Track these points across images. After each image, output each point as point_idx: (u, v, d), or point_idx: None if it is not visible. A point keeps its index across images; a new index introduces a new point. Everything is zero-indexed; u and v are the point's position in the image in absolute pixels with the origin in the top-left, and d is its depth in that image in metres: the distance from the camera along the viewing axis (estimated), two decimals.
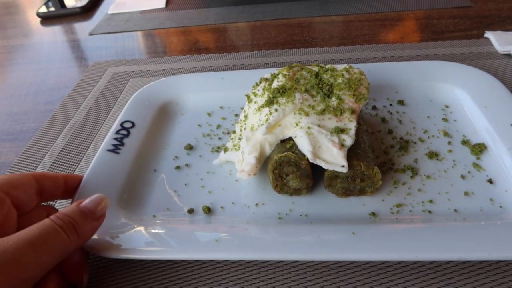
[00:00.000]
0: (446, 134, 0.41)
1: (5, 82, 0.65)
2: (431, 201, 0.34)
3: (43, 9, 0.88)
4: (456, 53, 0.57)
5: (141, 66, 0.63)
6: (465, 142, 0.40)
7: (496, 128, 0.39)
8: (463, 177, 0.36)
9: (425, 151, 0.40)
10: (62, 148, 0.47)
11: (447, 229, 0.31)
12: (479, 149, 0.39)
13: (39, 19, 0.88)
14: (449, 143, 0.40)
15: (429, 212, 0.33)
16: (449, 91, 0.46)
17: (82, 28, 0.82)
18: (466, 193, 0.35)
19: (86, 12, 0.89)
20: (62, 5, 0.90)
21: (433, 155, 0.39)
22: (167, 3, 0.87)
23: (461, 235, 0.30)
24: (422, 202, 0.34)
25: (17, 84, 0.63)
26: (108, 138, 0.42)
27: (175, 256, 0.30)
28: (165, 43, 0.72)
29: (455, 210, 0.33)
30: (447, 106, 0.45)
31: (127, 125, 0.44)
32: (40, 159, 0.46)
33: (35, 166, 0.45)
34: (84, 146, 0.47)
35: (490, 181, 0.36)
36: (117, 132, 0.43)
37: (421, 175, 0.37)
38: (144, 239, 0.32)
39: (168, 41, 0.72)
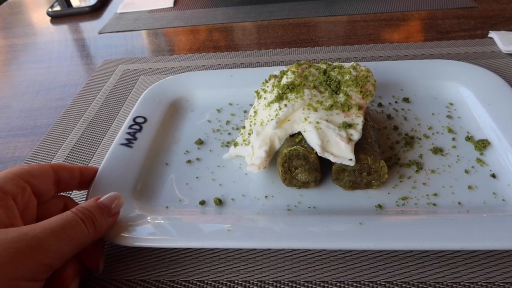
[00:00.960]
0: (450, 130, 0.42)
1: (17, 80, 0.66)
2: (435, 194, 0.35)
3: (53, 8, 0.90)
4: (461, 53, 0.58)
5: (150, 64, 0.65)
6: (469, 138, 0.41)
7: (499, 125, 0.40)
8: (467, 171, 0.37)
9: (430, 147, 0.41)
10: (76, 142, 0.48)
11: (451, 221, 0.32)
12: (482, 145, 0.40)
13: (49, 18, 0.90)
14: (453, 139, 0.41)
15: (434, 204, 0.35)
16: (453, 89, 0.47)
17: (92, 27, 0.83)
18: (469, 187, 0.36)
19: (95, 11, 0.90)
20: (69, 4, 0.91)
21: (437, 150, 0.40)
22: (175, 3, 0.89)
23: (465, 226, 0.31)
24: (427, 195, 0.35)
25: (29, 81, 0.65)
26: (121, 132, 0.43)
27: (188, 244, 0.32)
28: (174, 42, 0.73)
29: (459, 203, 0.34)
30: (451, 104, 0.46)
31: (140, 120, 0.45)
32: (54, 153, 0.47)
33: (49, 160, 0.46)
34: (97, 140, 0.48)
35: (493, 176, 0.37)
36: (130, 127, 0.44)
37: (426, 169, 0.38)
38: (157, 228, 0.33)
39: (177, 39, 0.74)
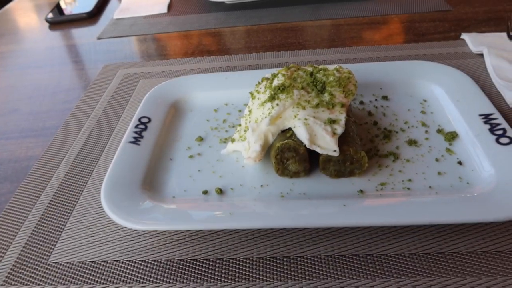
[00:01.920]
0: (423, 124, 0.48)
1: (22, 84, 0.70)
2: (410, 180, 0.41)
3: (51, 15, 0.93)
4: (435, 53, 0.64)
5: (149, 68, 0.69)
6: (439, 131, 0.46)
7: (466, 118, 0.46)
8: (437, 160, 0.43)
9: (405, 139, 0.46)
10: (85, 142, 0.53)
11: (422, 201, 0.37)
12: (451, 136, 0.45)
13: (47, 25, 0.93)
14: (426, 132, 0.47)
15: (408, 188, 0.40)
16: (427, 87, 0.53)
17: (90, 32, 0.87)
18: (439, 173, 0.41)
19: (92, 17, 0.94)
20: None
21: (412, 142, 0.45)
22: (168, 9, 0.93)
23: (434, 205, 0.36)
24: (402, 181, 0.41)
25: (34, 86, 0.69)
26: (129, 131, 0.48)
27: (195, 226, 0.36)
28: (169, 47, 0.77)
29: (430, 187, 0.40)
30: (425, 100, 0.52)
31: (144, 120, 0.50)
32: (66, 151, 0.51)
33: (61, 159, 0.50)
34: (104, 139, 0.53)
35: (460, 163, 0.42)
36: (136, 126, 0.48)
37: (402, 159, 0.43)
38: (167, 214, 0.38)
39: (172, 44, 0.78)
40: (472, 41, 0.64)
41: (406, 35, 0.71)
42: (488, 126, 0.44)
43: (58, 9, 0.97)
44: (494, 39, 0.64)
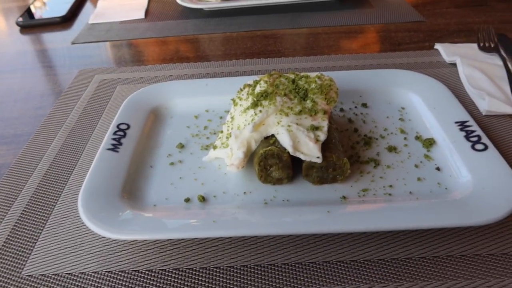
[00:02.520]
0: (402, 131, 0.49)
1: None
2: (390, 186, 0.41)
3: (22, 18, 0.90)
4: (411, 62, 0.65)
5: (126, 73, 0.68)
6: (417, 138, 0.47)
7: (442, 125, 0.47)
8: (416, 166, 0.44)
9: (385, 146, 0.47)
10: (59, 149, 0.51)
11: (403, 207, 0.38)
12: (429, 143, 0.46)
13: (18, 28, 0.90)
14: (405, 138, 0.48)
15: (389, 194, 0.40)
16: (404, 95, 0.54)
17: (64, 37, 0.84)
18: (418, 179, 0.42)
19: (66, 21, 0.91)
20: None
21: (392, 148, 0.46)
22: (146, 14, 0.92)
23: (415, 210, 0.37)
24: (384, 187, 0.41)
25: (5, 91, 0.66)
26: (107, 138, 0.46)
27: (177, 235, 0.35)
28: (147, 52, 0.76)
29: (410, 192, 0.40)
30: (403, 108, 0.53)
31: (123, 126, 0.48)
32: (39, 159, 0.49)
33: (34, 166, 0.48)
34: (80, 147, 0.51)
35: (438, 169, 0.43)
36: (115, 133, 0.47)
37: (382, 165, 0.44)
38: (148, 223, 0.37)
39: (150, 50, 0.77)
40: (445, 51, 0.67)
41: (383, 44, 0.73)
42: (463, 133, 0.45)
43: (28, 12, 0.94)
44: (466, 50, 0.67)
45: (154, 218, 0.38)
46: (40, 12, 0.96)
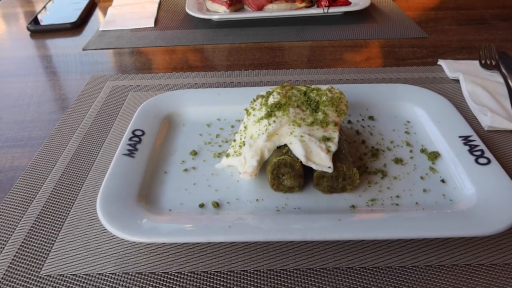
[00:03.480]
0: (408, 144, 0.50)
1: (4, 92, 0.69)
2: (397, 196, 0.43)
3: (33, 24, 0.92)
4: (415, 77, 0.67)
5: (138, 81, 0.69)
6: (423, 151, 0.49)
7: (447, 139, 0.49)
8: (422, 178, 0.45)
9: (392, 158, 0.48)
10: (74, 153, 0.52)
11: (410, 216, 0.39)
12: (434, 156, 0.48)
13: (28, 33, 0.92)
14: (411, 151, 0.49)
15: (397, 204, 0.42)
16: (410, 109, 0.56)
17: (74, 43, 0.86)
18: (424, 190, 0.44)
19: (76, 28, 0.93)
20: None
21: (398, 160, 0.48)
22: (155, 23, 0.94)
23: (421, 220, 0.38)
24: (391, 197, 0.43)
25: (17, 95, 0.67)
26: (122, 143, 0.48)
27: (194, 239, 0.37)
28: (157, 60, 0.78)
29: (416, 203, 0.42)
30: (408, 122, 0.55)
31: (138, 133, 0.50)
32: (54, 163, 0.50)
33: (49, 169, 0.49)
34: (95, 151, 0.52)
35: (443, 181, 0.45)
36: (130, 139, 0.48)
37: (389, 176, 0.46)
38: (164, 227, 0.38)
39: (160, 58, 0.79)
40: (448, 67, 0.69)
41: (387, 59, 0.75)
42: (467, 147, 0.47)
43: (37, 18, 0.96)
44: (468, 66, 0.69)
45: (170, 222, 0.39)
46: (50, 18, 0.97)
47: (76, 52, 0.82)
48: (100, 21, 0.98)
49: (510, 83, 0.62)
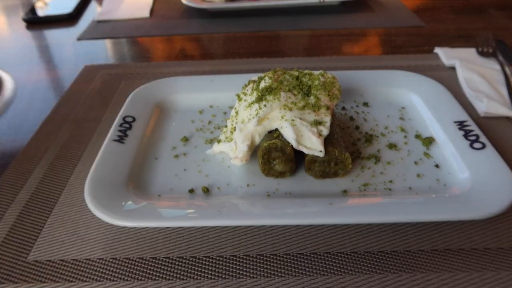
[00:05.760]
0: (402, 129, 0.50)
1: None
2: (391, 181, 0.42)
3: (29, 14, 0.91)
4: (411, 65, 0.67)
5: (131, 69, 0.68)
6: (417, 136, 0.48)
7: (441, 124, 0.48)
8: (416, 163, 0.45)
9: (386, 143, 0.48)
10: (66, 140, 0.51)
11: (402, 201, 0.39)
12: (428, 141, 0.47)
13: (23, 24, 0.91)
14: (405, 137, 0.49)
15: (389, 189, 0.41)
16: (405, 95, 0.55)
17: (69, 33, 0.85)
18: (418, 175, 0.43)
19: (72, 19, 0.92)
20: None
21: (392, 146, 0.47)
22: (151, 13, 0.93)
23: (414, 205, 0.38)
24: (384, 182, 0.42)
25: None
26: (113, 129, 0.47)
27: (182, 223, 0.36)
28: (152, 50, 0.77)
29: (410, 188, 0.41)
30: (403, 108, 0.54)
31: (129, 119, 0.49)
32: (45, 149, 0.50)
33: (41, 155, 0.49)
34: (86, 138, 0.52)
35: (437, 166, 0.44)
36: (121, 125, 0.48)
37: (383, 161, 0.45)
38: (153, 211, 0.38)
39: (155, 48, 0.78)
40: (445, 54, 0.68)
41: (383, 47, 0.74)
42: (462, 132, 0.46)
43: (34, 9, 0.95)
44: (464, 54, 0.68)
45: (159, 207, 0.38)
46: (45, 9, 0.97)
47: (70, 42, 0.81)
48: (96, 12, 0.98)
49: (507, 70, 0.61)
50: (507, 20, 0.84)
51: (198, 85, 0.57)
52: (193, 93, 0.56)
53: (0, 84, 0.35)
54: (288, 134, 0.41)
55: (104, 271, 0.36)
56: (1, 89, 0.36)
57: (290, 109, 0.43)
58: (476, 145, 0.44)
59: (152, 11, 0.95)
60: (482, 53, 0.67)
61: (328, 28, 0.83)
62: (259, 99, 0.43)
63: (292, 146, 0.41)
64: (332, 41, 0.77)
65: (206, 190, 0.41)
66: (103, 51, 0.77)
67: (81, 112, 0.57)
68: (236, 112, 0.47)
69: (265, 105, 0.43)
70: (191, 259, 0.37)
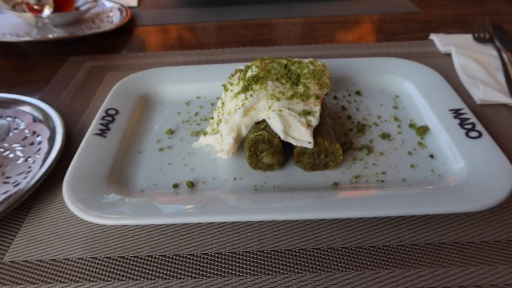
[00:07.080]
0: (396, 119, 0.48)
1: None
2: (383, 173, 0.40)
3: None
4: (406, 52, 0.65)
5: (117, 61, 0.66)
6: (411, 125, 0.47)
7: (436, 113, 0.46)
8: (409, 153, 0.43)
9: (378, 133, 0.46)
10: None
11: (396, 193, 0.37)
12: (423, 130, 0.45)
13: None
14: (399, 126, 0.47)
15: (382, 181, 0.40)
16: (399, 83, 0.53)
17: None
18: (412, 166, 0.41)
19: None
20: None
21: (385, 136, 0.45)
22: (139, 3, 0.90)
23: (407, 197, 0.36)
24: (376, 173, 0.40)
25: None
26: (95, 123, 0.45)
27: (164, 221, 0.34)
28: (139, 40, 0.75)
29: (403, 179, 0.40)
30: (397, 96, 0.52)
31: (112, 112, 0.47)
32: None
33: None
34: (68, 133, 0.49)
35: (431, 156, 0.42)
36: (103, 118, 0.46)
37: (376, 152, 0.43)
38: (134, 208, 0.36)
39: (142, 38, 0.76)
40: (440, 41, 0.66)
41: (378, 34, 0.72)
42: (458, 121, 0.45)
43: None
44: (461, 40, 0.66)
45: (140, 203, 0.36)
46: None
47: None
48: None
49: (504, 56, 0.59)
50: (504, 5, 0.82)
51: (184, 76, 0.55)
52: (180, 84, 0.54)
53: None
54: (276, 125, 0.39)
55: (83, 271, 0.34)
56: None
57: (278, 99, 0.41)
58: (472, 133, 0.42)
59: (140, 0, 0.92)
60: (478, 39, 0.65)
61: (321, 15, 0.80)
62: (245, 89, 0.41)
63: (280, 137, 0.39)
64: (325, 29, 0.75)
65: (191, 185, 0.40)
66: (90, 42, 0.74)
67: (65, 105, 0.55)
68: (223, 103, 0.45)
69: (251, 95, 0.41)
70: (174, 257, 0.35)
